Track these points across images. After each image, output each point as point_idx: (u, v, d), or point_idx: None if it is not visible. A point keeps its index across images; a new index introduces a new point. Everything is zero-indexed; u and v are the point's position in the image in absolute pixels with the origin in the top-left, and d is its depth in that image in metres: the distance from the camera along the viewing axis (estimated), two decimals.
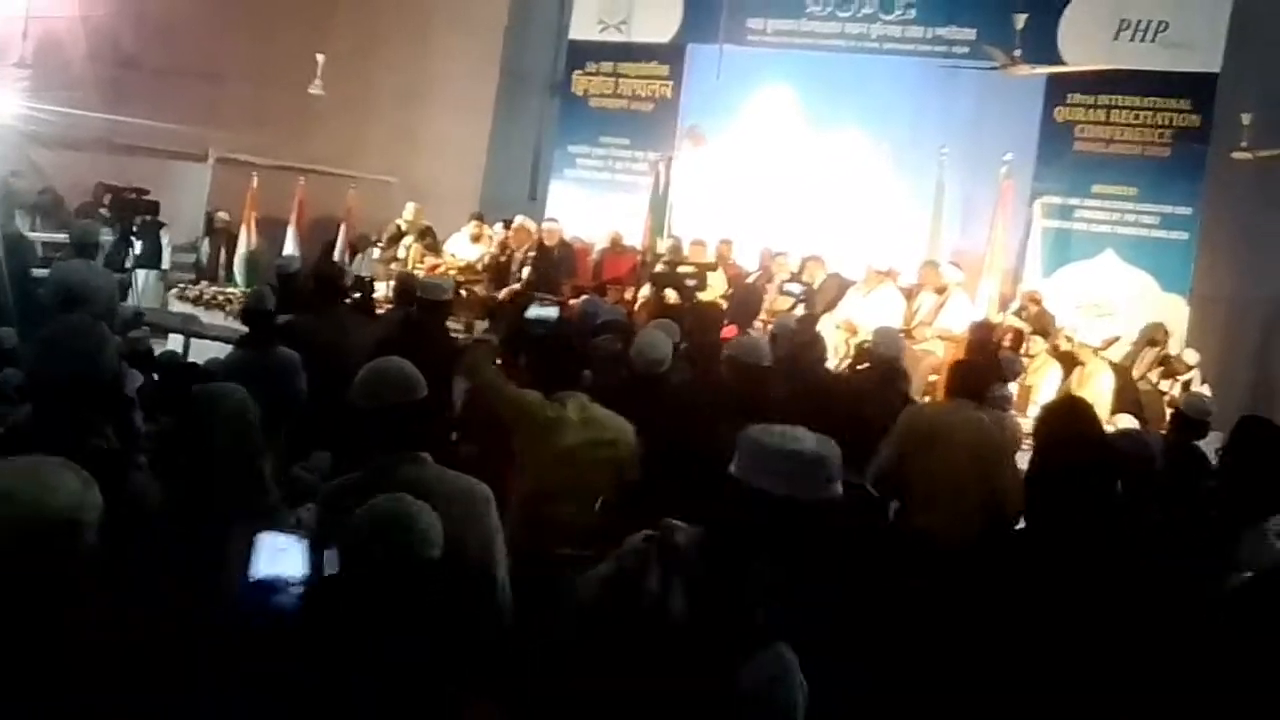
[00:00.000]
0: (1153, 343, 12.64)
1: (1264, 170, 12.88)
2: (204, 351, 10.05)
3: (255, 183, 15.55)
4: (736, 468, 2.90)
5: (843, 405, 7.20)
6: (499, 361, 6.63)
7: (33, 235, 11.49)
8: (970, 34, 14.88)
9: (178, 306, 13.26)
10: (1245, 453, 5.24)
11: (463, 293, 13.09)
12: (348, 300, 9.70)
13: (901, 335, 10.07)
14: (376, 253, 15.13)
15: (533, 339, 7.35)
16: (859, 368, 9.36)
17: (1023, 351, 11.99)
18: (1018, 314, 12.97)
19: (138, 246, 12.22)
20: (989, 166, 13.90)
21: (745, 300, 12.78)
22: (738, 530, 2.87)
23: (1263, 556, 4.52)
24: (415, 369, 4.27)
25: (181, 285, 14.05)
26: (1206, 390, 11.73)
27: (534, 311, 9.01)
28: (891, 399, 7.42)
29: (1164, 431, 8.23)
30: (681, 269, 13.68)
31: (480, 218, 15.42)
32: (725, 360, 7.07)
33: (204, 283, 14.40)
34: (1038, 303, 13.05)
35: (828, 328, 11.86)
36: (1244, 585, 3.79)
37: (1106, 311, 13.29)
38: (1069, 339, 12.31)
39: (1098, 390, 11.55)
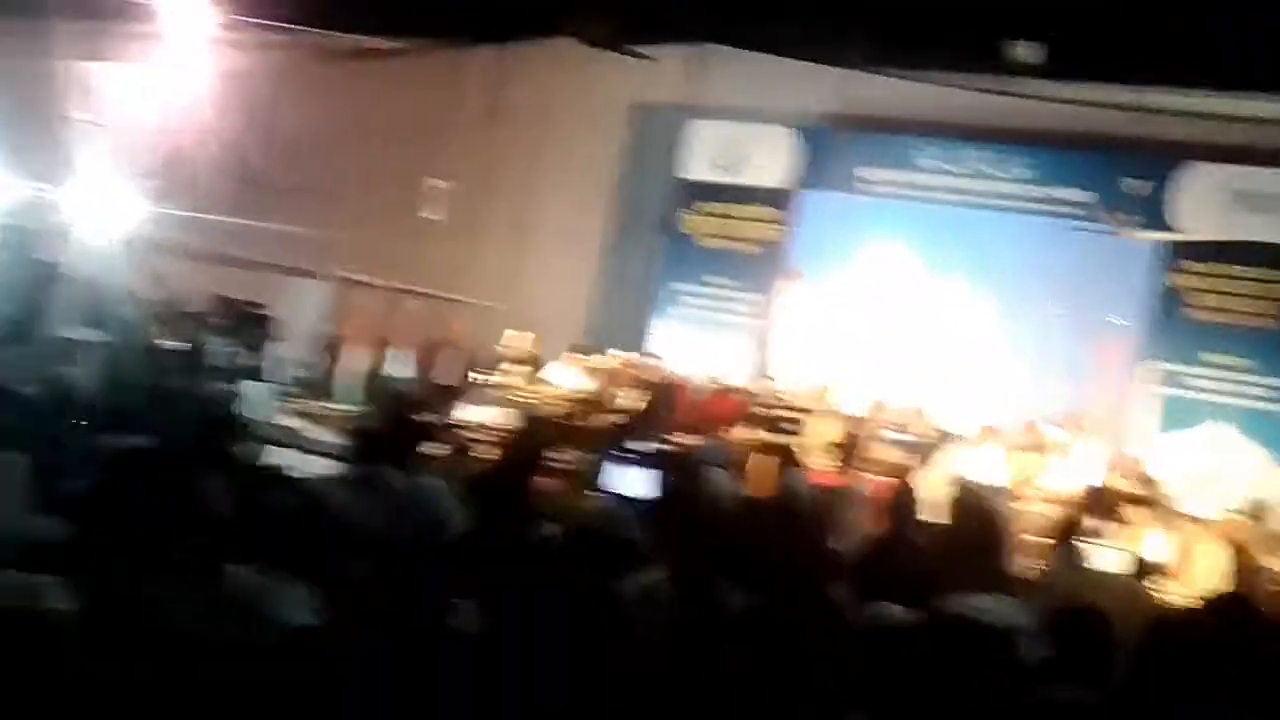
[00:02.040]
0: (1254, 520, 12.35)
1: None
2: (307, 465, 10.10)
3: (367, 301, 15.76)
4: None
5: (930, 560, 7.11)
6: None
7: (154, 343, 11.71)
8: (1085, 196, 14.87)
9: (285, 420, 13.39)
10: None
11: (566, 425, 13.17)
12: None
13: (1003, 493, 9.99)
14: (479, 378, 15.23)
15: None
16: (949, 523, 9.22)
17: (1123, 519, 11.78)
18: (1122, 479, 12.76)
19: (248, 359, 12.42)
20: (1096, 328, 13.83)
21: (846, 449, 12.71)
22: None
23: None
24: None
25: (289, 399, 14.20)
26: None
27: (633, 445, 9.04)
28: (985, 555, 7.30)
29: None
30: (781, 413, 13.66)
31: (583, 350, 15.50)
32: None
33: (311, 399, 14.54)
34: (1141, 469, 12.84)
35: (933, 483, 11.73)
36: None
37: (1216, 483, 13.03)
38: (1176, 509, 12.09)
39: (1208, 564, 11.30)
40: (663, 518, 6.22)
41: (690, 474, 8.28)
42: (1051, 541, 10.75)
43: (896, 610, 4.53)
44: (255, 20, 15.85)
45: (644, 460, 8.52)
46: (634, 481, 7.61)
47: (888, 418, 13.67)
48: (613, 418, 13.63)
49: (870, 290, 15.97)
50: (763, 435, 13.08)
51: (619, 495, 7.29)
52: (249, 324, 12.68)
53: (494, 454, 9.13)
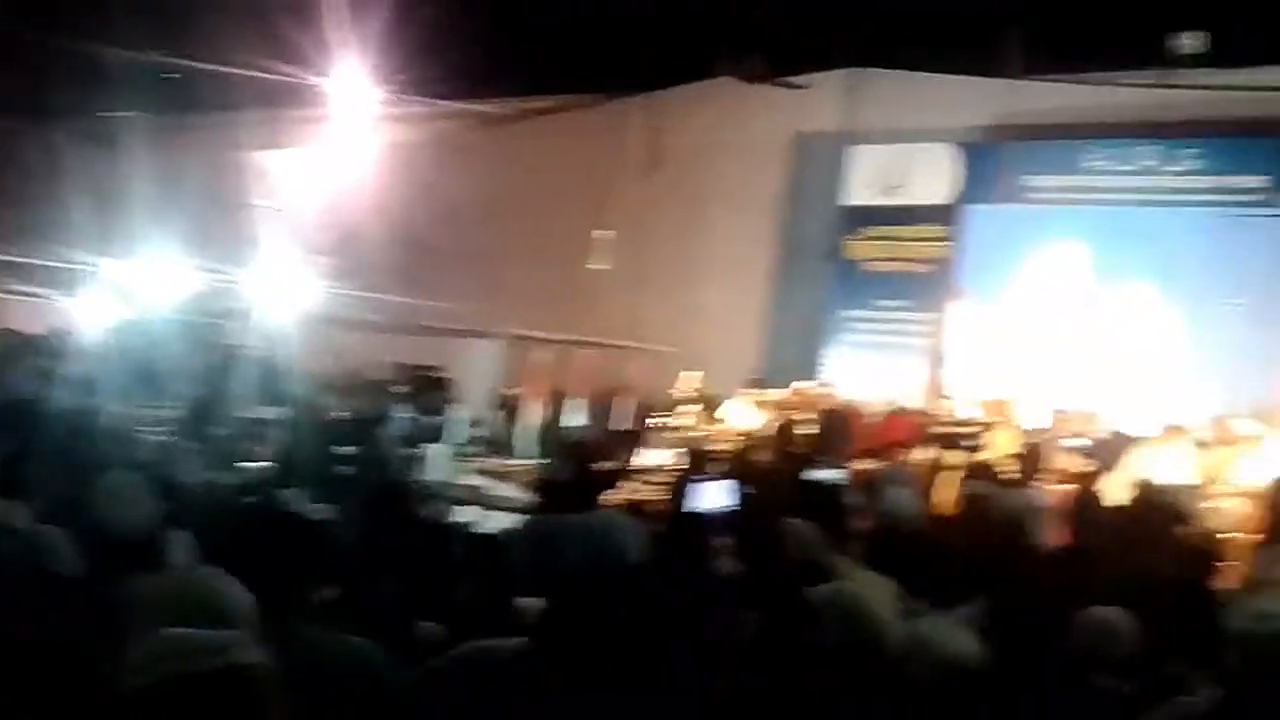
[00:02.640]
0: None
1: None
2: (491, 521, 10.32)
3: (540, 357, 16.04)
4: None
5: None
6: None
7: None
8: (1263, 181, 14.48)
9: (467, 479, 13.67)
10: None
11: (745, 460, 13.22)
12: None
13: (1191, 491, 9.78)
14: (655, 422, 15.36)
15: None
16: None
17: None
18: None
19: (429, 422, 12.73)
20: None
21: (1030, 459, 12.55)
22: None
23: None
24: None
25: (470, 458, 14.50)
26: None
27: (813, 475, 9.06)
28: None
29: None
30: (960, 429, 13.54)
31: (759, 384, 15.55)
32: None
33: (493, 455, 14.82)
34: None
35: (1119, 486, 11.51)
36: None
37: None
38: None
39: None
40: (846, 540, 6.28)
41: (874, 496, 8.31)
42: (1249, 537, 10.53)
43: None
44: (418, 95, 16.32)
45: (828, 489, 8.56)
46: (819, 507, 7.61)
47: (1067, 425, 13.43)
48: (791, 449, 13.64)
49: (1045, 298, 15.72)
50: (943, 454, 13.01)
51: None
52: (427, 388, 13.00)
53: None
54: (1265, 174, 14.51)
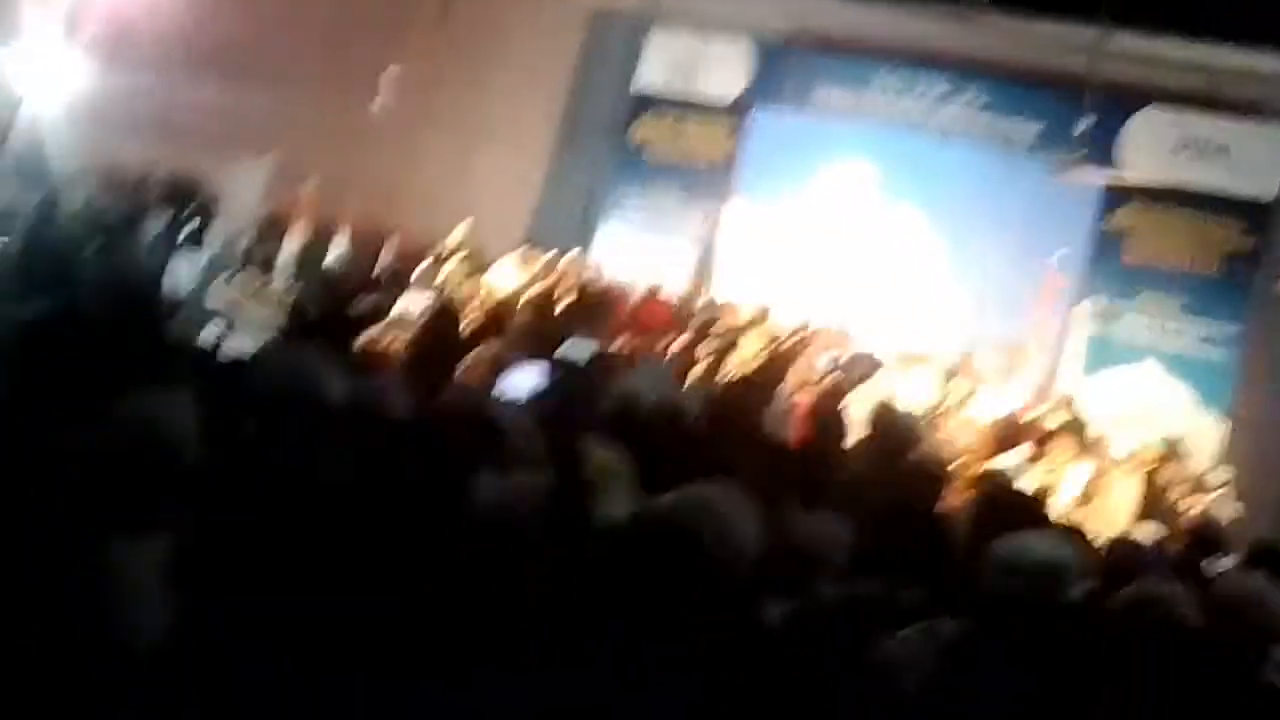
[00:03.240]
0: (1169, 457, 12.43)
1: None
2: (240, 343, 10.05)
3: (311, 186, 15.61)
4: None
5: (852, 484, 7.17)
6: None
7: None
8: (1034, 130, 14.91)
9: (220, 295, 13.29)
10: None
11: (498, 323, 13.16)
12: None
13: (924, 417, 10.09)
14: (420, 271, 15.17)
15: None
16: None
17: (1047, 449, 11.96)
18: (1051, 413, 12.90)
19: (185, 233, 12.30)
20: (1037, 263, 13.94)
21: (775, 367, 12.78)
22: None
23: None
24: None
25: (225, 276, 14.08)
26: (1232, 509, 11.68)
27: (566, 349, 9.03)
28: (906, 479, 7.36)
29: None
30: (715, 328, 13.71)
31: (527, 249, 15.46)
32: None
33: (247, 276, 14.43)
34: (1070, 406, 12.96)
35: (857, 405, 11.80)
36: None
37: (1141, 421, 13.16)
38: (1099, 445, 12.24)
39: (1119, 497, 11.49)
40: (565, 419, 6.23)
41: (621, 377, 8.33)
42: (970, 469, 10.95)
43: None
44: None
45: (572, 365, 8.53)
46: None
47: (821, 339, 13.71)
48: (546, 317, 13.62)
49: (816, 211, 15.95)
50: (697, 347, 13.17)
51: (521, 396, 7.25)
52: (188, 198, 12.51)
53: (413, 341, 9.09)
54: (1038, 122, 14.93)
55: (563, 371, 7.75)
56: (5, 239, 10.12)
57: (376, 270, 15.07)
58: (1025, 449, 12.10)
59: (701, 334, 13.55)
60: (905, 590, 4.15)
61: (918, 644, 3.57)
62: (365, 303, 11.71)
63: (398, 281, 14.67)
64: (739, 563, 3.03)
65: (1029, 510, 5.57)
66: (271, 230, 15.55)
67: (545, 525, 3.88)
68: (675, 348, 13.29)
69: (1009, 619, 3.50)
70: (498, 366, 7.82)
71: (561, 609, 3.05)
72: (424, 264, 15.20)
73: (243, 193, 15.33)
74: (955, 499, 7.96)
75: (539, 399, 6.75)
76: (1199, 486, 12.01)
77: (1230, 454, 12.88)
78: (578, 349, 9.64)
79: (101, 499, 3.10)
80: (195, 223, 12.45)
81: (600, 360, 9.65)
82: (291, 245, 15.37)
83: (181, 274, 11.85)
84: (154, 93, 14.19)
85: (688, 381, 12.02)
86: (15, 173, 12.44)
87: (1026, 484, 11.20)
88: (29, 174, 12.18)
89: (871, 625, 3.81)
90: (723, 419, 7.70)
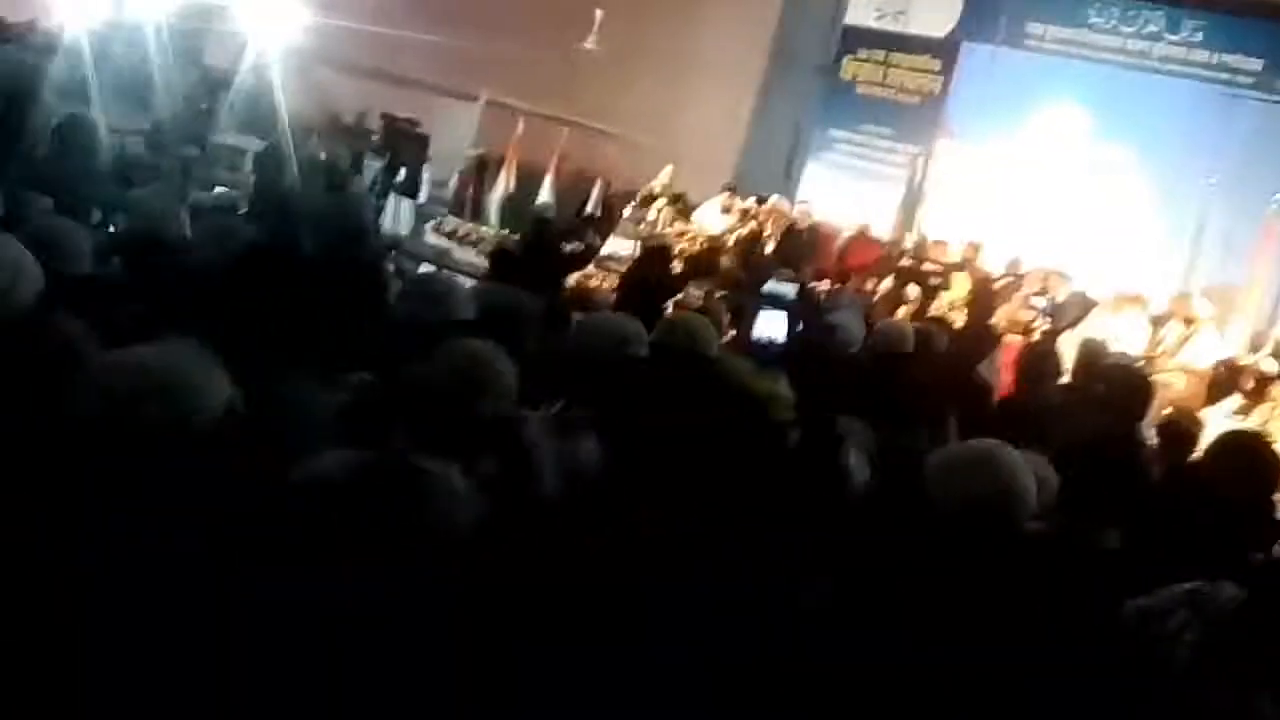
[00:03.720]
0: None
1: None
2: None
3: (520, 128, 15.89)
4: None
5: (1065, 420, 7.11)
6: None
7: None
8: (1257, 64, 14.41)
9: (431, 239, 13.65)
10: None
11: (708, 263, 13.32)
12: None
13: (1137, 359, 9.93)
14: (628, 212, 15.36)
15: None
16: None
17: (1264, 396, 11.68)
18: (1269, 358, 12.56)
19: (400, 175, 12.66)
20: (1258, 202, 13.54)
21: (985, 306, 12.70)
22: None
23: None
24: None
25: (437, 219, 14.45)
26: None
27: (772, 286, 9.14)
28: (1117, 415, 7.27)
29: None
30: (925, 266, 13.66)
31: (733, 190, 15.53)
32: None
33: (458, 219, 14.77)
34: None
35: (1069, 346, 11.67)
36: None
37: None
38: None
39: None
40: (792, 359, 6.35)
41: (823, 320, 8.37)
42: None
43: None
44: None
45: (777, 303, 8.64)
46: (766, 323, 7.72)
47: (1033, 279, 13.53)
48: (754, 259, 13.72)
49: (1028, 150, 15.69)
50: (905, 287, 13.15)
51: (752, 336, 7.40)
52: (402, 141, 12.87)
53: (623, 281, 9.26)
54: (1261, 57, 14.44)
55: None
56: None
57: (586, 211, 15.29)
58: (1240, 395, 11.86)
59: (911, 273, 13.51)
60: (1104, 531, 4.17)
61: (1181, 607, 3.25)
62: (575, 243, 11.97)
63: (608, 222, 14.90)
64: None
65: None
66: (483, 172, 15.85)
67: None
68: (885, 286, 13.29)
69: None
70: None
71: None
72: (633, 204, 15.40)
73: (455, 135, 15.64)
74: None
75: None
76: None
77: None
78: (781, 288, 9.73)
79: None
80: (409, 166, 12.79)
81: (804, 297, 9.76)
82: (502, 187, 15.67)
83: (396, 216, 12.20)
84: (369, 37, 14.56)
85: (897, 319, 12.02)
86: (240, 116, 12.91)
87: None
88: (253, 118, 12.64)
89: (1079, 567, 3.82)
90: (934, 359, 7.68)
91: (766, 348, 6.98)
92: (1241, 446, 5.28)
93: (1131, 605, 3.23)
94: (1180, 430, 7.08)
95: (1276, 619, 2.96)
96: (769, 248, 14.12)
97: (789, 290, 9.36)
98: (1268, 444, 5.49)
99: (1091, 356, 9.40)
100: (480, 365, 3.78)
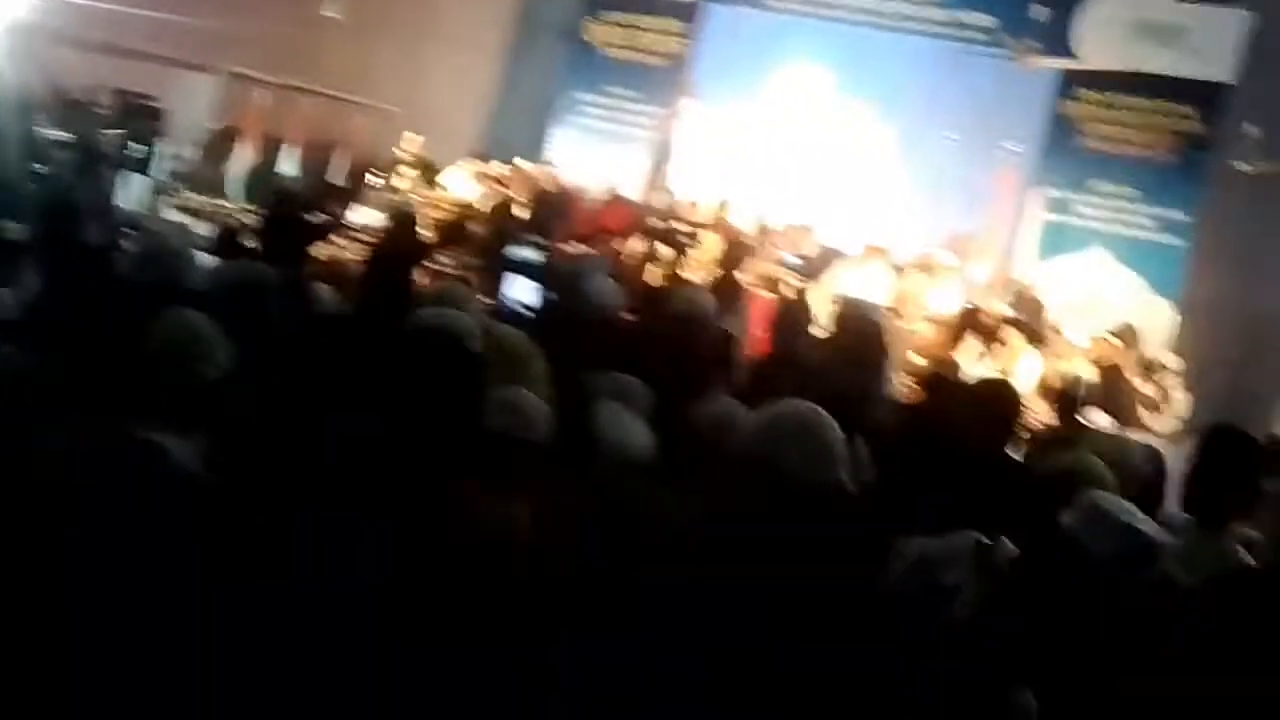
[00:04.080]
0: (1123, 343, 12.51)
1: (1263, 185, 12.91)
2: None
3: (261, 100, 15.47)
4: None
5: (818, 374, 7.19)
6: None
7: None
8: (989, 21, 14.85)
9: (171, 216, 13.20)
10: (1211, 461, 5.24)
11: (457, 230, 13.18)
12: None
13: (886, 310, 10.12)
14: (376, 181, 15.10)
15: None
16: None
17: (1001, 339, 12.10)
18: (1011, 303, 12.98)
19: (134, 151, 12.20)
20: (992, 154, 13.98)
21: (736, 263, 12.81)
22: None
23: (1224, 562, 4.53)
24: None
25: (177, 195, 13.98)
26: (1183, 396, 11.82)
27: (517, 253, 9.06)
28: (869, 368, 7.39)
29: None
30: (675, 226, 13.73)
31: (482, 156, 15.41)
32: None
33: (197, 194, 14.33)
34: (1029, 292, 13.05)
35: (817, 300, 11.87)
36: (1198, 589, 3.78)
37: (1094, 307, 13.24)
38: (1056, 332, 12.35)
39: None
40: (545, 325, 6.28)
41: (572, 283, 8.30)
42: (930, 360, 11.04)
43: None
44: None
45: (528, 269, 8.57)
46: (518, 289, 7.64)
47: (779, 236, 13.74)
48: (504, 224, 13.60)
49: (771, 109, 15.90)
50: (656, 248, 13.19)
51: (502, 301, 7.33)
52: (136, 116, 12.39)
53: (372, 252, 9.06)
54: (991, 14, 14.88)
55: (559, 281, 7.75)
56: None
57: (332, 182, 14.99)
58: (982, 340, 12.24)
59: (662, 233, 13.57)
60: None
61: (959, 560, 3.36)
62: (321, 215, 11.68)
63: (354, 192, 14.63)
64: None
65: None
66: (222, 145, 15.42)
67: None
68: (637, 247, 13.32)
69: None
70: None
71: None
72: (380, 174, 15.16)
73: (193, 109, 15.17)
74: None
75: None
76: (1151, 372, 12.14)
77: (1181, 341, 12.98)
78: (526, 254, 9.65)
79: None
80: (144, 141, 12.33)
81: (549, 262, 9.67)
82: (242, 160, 15.25)
83: (131, 193, 11.77)
84: (100, 9, 13.99)
85: (648, 280, 12.06)
86: None
87: (983, 374, 11.39)
88: None
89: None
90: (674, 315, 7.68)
91: (520, 315, 6.88)
92: (991, 393, 5.43)
93: (916, 545, 3.28)
94: (936, 380, 7.25)
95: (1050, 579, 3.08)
96: (520, 214, 13.99)
97: (533, 256, 9.27)
98: (1012, 389, 5.64)
99: (841, 310, 9.57)
100: (191, 334, 3.72)
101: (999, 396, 5.25)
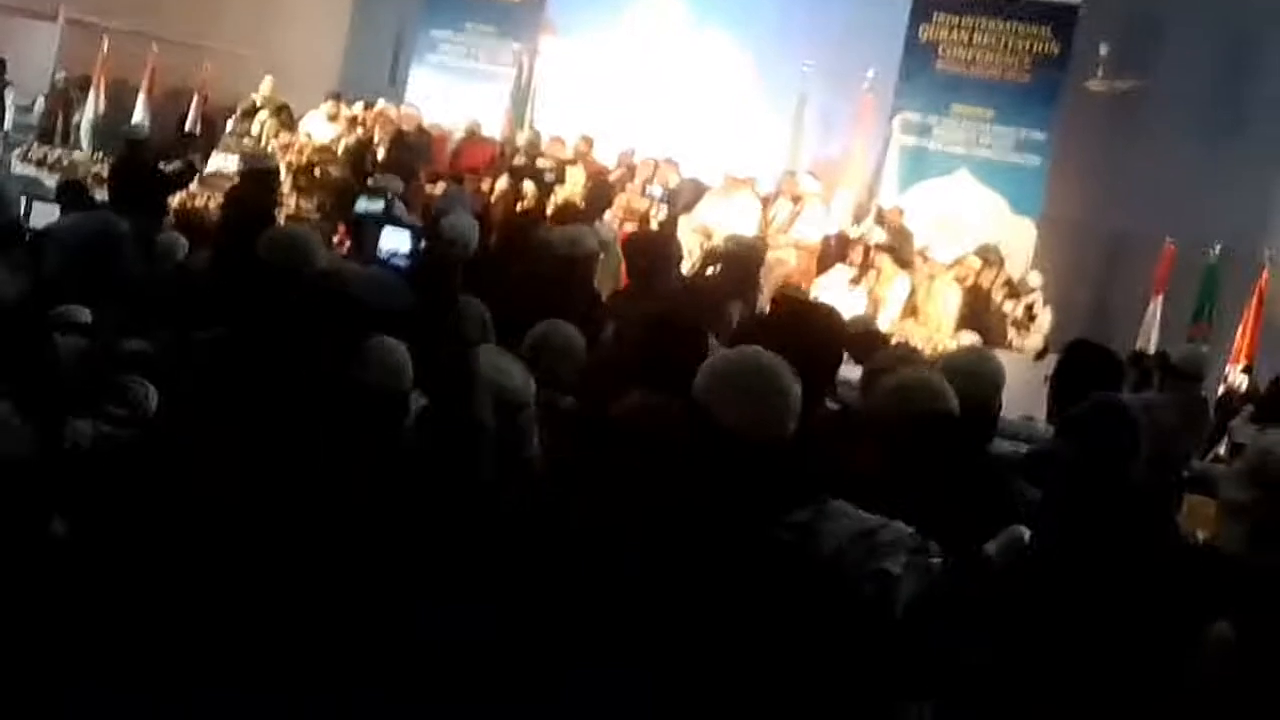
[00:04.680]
0: (986, 263, 12.71)
1: (1116, 102, 13.13)
2: (46, 215, 9.74)
3: (106, 47, 15.05)
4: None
5: (694, 310, 7.17)
6: None
7: None
8: None
9: (19, 168, 12.86)
10: (1072, 375, 5.32)
11: (317, 174, 12.99)
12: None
13: (754, 240, 10.15)
14: (230, 126, 14.80)
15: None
16: (708, 272, 9.31)
17: (871, 264, 12.21)
18: (877, 226, 13.08)
19: None
20: (852, 81, 14.09)
21: (601, 198, 12.77)
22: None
23: None
24: None
25: (24, 147, 13.61)
26: (1047, 313, 12.04)
27: (362, 205, 8.91)
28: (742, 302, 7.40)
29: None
30: (540, 162, 13.64)
31: (338, 98, 15.15)
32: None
33: (47, 145, 13.97)
34: (896, 218, 13.15)
35: (683, 231, 11.87)
36: None
37: (957, 229, 13.38)
38: (923, 256, 12.49)
39: (942, 306, 11.81)
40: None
41: (434, 223, 8.18)
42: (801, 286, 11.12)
43: None
44: None
45: (369, 219, 8.41)
46: (388, 238, 7.48)
47: (645, 169, 13.68)
48: (363, 166, 13.41)
49: (630, 42, 15.78)
50: (519, 185, 13.11)
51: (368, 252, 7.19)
52: None
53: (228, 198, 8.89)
54: None
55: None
56: None
57: (185, 129, 14.69)
58: (850, 266, 12.36)
59: (526, 170, 13.47)
60: None
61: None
62: (175, 163, 11.45)
63: (208, 139, 14.35)
64: None
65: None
66: (70, 95, 15.02)
67: None
68: (500, 185, 13.21)
69: None
70: None
71: None
72: (234, 118, 14.87)
73: (36, 58, 14.75)
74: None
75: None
76: (1016, 291, 12.36)
77: (1042, 258, 13.18)
78: (371, 205, 9.48)
79: None
80: None
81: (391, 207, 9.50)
82: (92, 110, 14.88)
83: None
84: None
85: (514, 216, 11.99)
86: None
87: (854, 299, 11.51)
88: None
89: None
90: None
91: (389, 261, 6.75)
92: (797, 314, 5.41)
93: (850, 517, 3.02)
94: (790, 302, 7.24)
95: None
96: (379, 154, 13.80)
97: (377, 205, 9.06)
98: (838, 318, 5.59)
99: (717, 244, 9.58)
100: None
101: (826, 326, 5.17)
